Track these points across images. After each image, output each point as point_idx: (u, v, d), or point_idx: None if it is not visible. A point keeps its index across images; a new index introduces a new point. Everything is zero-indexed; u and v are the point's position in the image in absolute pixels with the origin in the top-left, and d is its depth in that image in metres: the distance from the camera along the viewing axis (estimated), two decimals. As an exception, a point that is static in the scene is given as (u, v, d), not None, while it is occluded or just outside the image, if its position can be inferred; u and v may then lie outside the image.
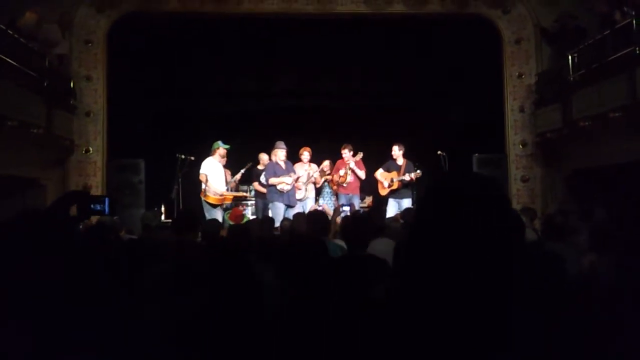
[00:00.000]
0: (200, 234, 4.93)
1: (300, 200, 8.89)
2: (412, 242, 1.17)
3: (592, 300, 2.18)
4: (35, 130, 7.22)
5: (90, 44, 9.12)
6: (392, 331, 1.10)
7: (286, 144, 8.82)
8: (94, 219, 5.10)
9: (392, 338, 1.09)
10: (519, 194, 9.32)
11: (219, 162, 8.65)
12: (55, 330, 1.43)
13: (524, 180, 9.34)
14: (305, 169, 8.99)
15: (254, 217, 8.86)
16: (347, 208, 8.09)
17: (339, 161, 9.20)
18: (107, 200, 2.33)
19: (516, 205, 8.83)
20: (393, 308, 1.14)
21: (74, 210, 2.15)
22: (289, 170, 8.68)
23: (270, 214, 8.34)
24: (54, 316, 1.42)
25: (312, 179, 9.07)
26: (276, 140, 9.21)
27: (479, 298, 1.07)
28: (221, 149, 8.57)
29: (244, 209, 9.61)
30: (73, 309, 1.39)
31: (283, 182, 8.50)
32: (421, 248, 1.14)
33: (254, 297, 1.99)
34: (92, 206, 2.27)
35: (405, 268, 1.18)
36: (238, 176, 9.23)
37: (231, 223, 6.60)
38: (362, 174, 9.01)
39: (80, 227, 4.31)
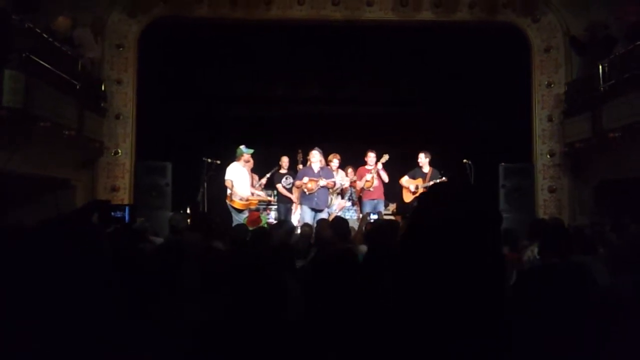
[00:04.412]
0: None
1: (327, 207, 8.92)
2: (405, 245, 1.23)
3: (620, 313, 2.15)
4: (67, 132, 7.36)
5: (121, 48, 9.28)
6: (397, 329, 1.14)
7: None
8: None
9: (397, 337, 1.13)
10: (545, 204, 9.20)
11: (244, 167, 8.75)
12: (87, 332, 1.46)
13: (551, 190, 9.22)
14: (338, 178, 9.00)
15: (276, 221, 8.94)
16: (374, 217, 8.06)
17: (361, 168, 9.21)
18: (127, 208, 2.39)
19: (542, 216, 8.73)
20: (394, 308, 1.19)
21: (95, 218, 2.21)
22: (320, 175, 8.69)
23: (299, 218, 8.53)
24: (86, 319, 1.46)
25: (339, 189, 9.08)
26: (300, 146, 9.31)
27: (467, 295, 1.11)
28: (245, 155, 8.69)
29: (268, 214, 9.69)
30: (105, 312, 1.43)
31: (303, 184, 8.54)
32: (413, 256, 1.20)
33: (276, 302, 2.01)
34: (112, 214, 2.34)
35: (400, 266, 1.23)
36: (263, 180, 9.34)
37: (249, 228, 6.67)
38: (386, 177, 9.04)
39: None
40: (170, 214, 7.56)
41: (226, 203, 8.65)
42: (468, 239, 1.16)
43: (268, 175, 9.37)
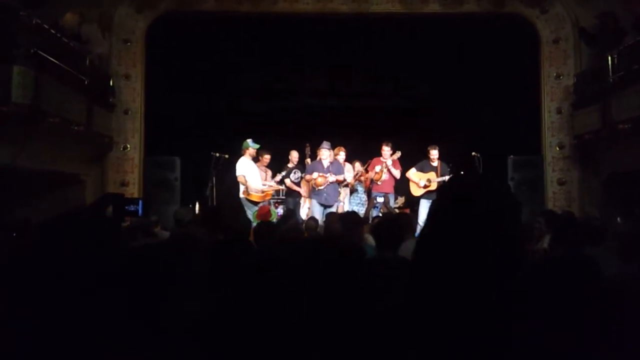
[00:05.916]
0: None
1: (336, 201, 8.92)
2: (424, 244, 1.21)
3: (626, 304, 2.14)
4: (76, 127, 7.41)
5: (129, 43, 9.31)
6: (408, 333, 1.12)
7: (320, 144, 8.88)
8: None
9: (406, 341, 1.11)
10: (555, 196, 9.15)
11: (251, 160, 8.79)
12: (88, 331, 1.47)
13: (561, 182, 9.16)
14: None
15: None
16: (381, 199, 8.04)
17: (376, 159, 9.19)
18: (140, 202, 2.41)
19: (552, 208, 8.68)
20: (408, 312, 1.17)
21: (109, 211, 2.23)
22: (329, 170, 8.68)
23: (307, 212, 8.55)
24: (88, 318, 1.47)
25: (345, 182, 9.07)
26: (308, 139, 9.30)
27: (488, 297, 1.10)
28: (251, 149, 8.72)
29: (277, 208, 9.69)
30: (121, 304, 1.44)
31: (313, 179, 8.57)
32: (432, 250, 1.17)
33: (279, 299, 2.01)
34: (126, 207, 2.36)
35: (417, 270, 1.21)
36: (278, 177, 9.26)
37: (259, 221, 6.68)
38: (397, 174, 9.01)
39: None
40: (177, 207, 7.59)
41: (240, 198, 8.63)
42: (489, 236, 1.13)
43: (283, 173, 9.22)
